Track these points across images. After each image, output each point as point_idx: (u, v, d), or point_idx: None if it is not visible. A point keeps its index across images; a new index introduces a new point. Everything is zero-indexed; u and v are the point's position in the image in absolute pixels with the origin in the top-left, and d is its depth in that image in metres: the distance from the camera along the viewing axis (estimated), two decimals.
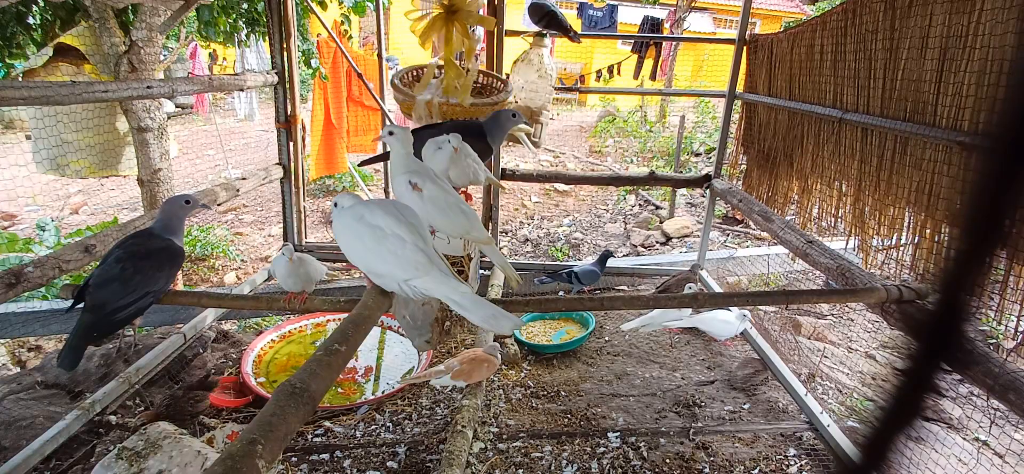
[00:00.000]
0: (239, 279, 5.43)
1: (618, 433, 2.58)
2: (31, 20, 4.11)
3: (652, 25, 10.32)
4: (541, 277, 3.62)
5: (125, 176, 4.69)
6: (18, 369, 3.55)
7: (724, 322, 3.23)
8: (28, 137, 5.40)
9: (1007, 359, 1.71)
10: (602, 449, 2.49)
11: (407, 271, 1.39)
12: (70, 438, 2.31)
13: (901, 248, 2.44)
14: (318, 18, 4.63)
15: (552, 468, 2.37)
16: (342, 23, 5.58)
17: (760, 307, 3.85)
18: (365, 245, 1.44)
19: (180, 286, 4.50)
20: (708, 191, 3.89)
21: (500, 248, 4.55)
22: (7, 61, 4.02)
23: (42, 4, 4.06)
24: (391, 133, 1.72)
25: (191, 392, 2.60)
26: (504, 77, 2.98)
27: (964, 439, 2.78)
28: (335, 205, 1.53)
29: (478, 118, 2.43)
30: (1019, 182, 0.36)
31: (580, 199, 7.86)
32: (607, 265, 3.72)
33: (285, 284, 2.14)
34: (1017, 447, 2.67)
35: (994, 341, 3.86)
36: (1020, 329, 1.87)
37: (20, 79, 4.14)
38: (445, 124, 2.38)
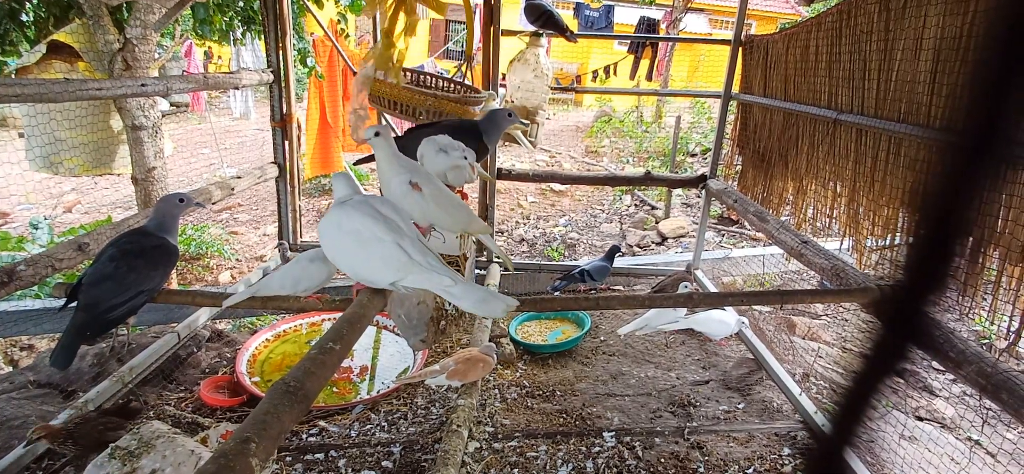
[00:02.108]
0: (234, 278, 5.41)
1: (613, 433, 2.58)
2: (24, 17, 4.09)
3: (648, 26, 10.32)
4: (554, 282, 3.65)
5: (119, 174, 4.66)
6: (10, 368, 3.53)
7: (720, 322, 3.24)
8: (21, 135, 5.36)
9: (1000, 358, 1.72)
10: (597, 448, 2.49)
11: (391, 273, 1.35)
12: None
13: (895, 249, 2.45)
14: (314, 17, 4.61)
15: (547, 467, 2.37)
16: (338, 22, 5.57)
17: (755, 307, 3.86)
18: (348, 253, 1.40)
19: (174, 285, 4.48)
20: (704, 191, 3.90)
21: None
22: (0, 58, 4.00)
23: (35, 1, 4.03)
24: (377, 134, 1.70)
25: (104, 418, 2.20)
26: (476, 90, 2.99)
27: (957, 438, 2.80)
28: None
29: (473, 118, 2.42)
30: (978, 173, 0.37)
31: (576, 199, 7.86)
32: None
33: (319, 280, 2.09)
34: (1009, 446, 2.68)
35: (987, 341, 3.88)
36: (1013, 329, 1.89)
37: (13, 76, 4.11)
38: (439, 124, 2.38)
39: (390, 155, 1.69)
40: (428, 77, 3.00)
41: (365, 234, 1.36)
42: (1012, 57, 0.35)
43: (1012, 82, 0.36)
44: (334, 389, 2.86)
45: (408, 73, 2.83)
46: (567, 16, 9.95)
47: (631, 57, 10.52)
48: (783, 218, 3.15)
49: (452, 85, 2.98)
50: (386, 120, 3.76)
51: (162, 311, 3.74)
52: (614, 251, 3.77)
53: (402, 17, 2.45)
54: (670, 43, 11.44)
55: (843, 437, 0.45)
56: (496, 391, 2.88)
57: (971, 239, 1.94)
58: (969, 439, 2.81)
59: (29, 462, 2.18)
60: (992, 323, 3.71)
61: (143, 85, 2.71)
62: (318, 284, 1.92)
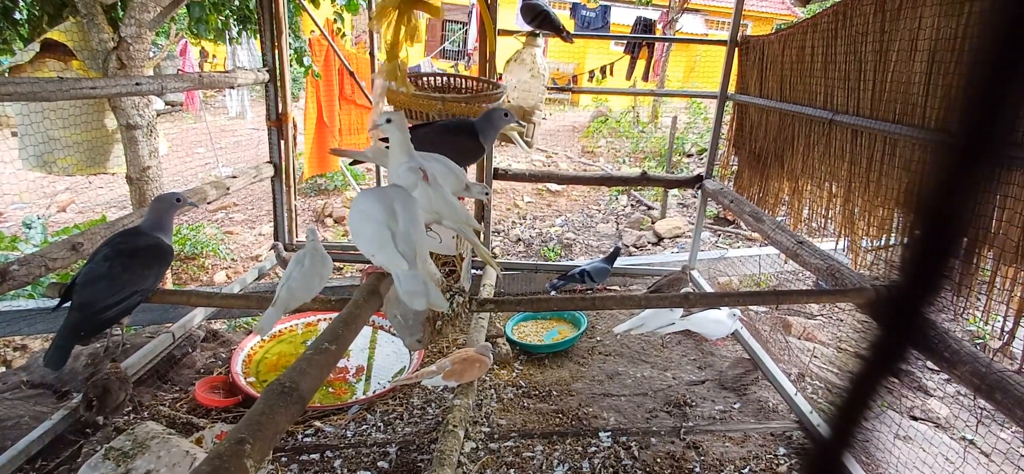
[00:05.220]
0: (229, 278, 5.40)
1: (609, 432, 2.58)
2: (18, 15, 4.06)
3: (645, 26, 10.37)
4: (553, 281, 3.63)
5: (113, 174, 4.63)
6: (3, 368, 3.50)
7: (716, 322, 3.25)
8: (14, 134, 5.33)
9: (994, 359, 1.73)
10: (593, 448, 2.49)
11: (372, 247, 1.46)
12: (56, 438, 2.29)
13: (890, 249, 2.46)
14: (310, 16, 4.60)
15: (543, 468, 2.37)
16: (335, 21, 5.56)
17: (751, 307, 3.87)
18: (355, 227, 1.53)
19: (169, 285, 4.46)
20: (700, 192, 3.91)
21: (492, 248, 4.52)
22: None
23: None
24: (389, 120, 1.72)
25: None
26: (496, 80, 3.01)
27: (951, 438, 2.81)
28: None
29: (470, 117, 2.42)
30: (974, 175, 0.38)
31: (572, 199, 7.87)
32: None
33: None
34: (1003, 446, 2.70)
35: (981, 341, 3.91)
36: (1007, 329, 1.90)
37: (7, 75, 4.09)
38: (436, 124, 2.38)
39: (402, 141, 1.74)
40: (442, 77, 2.99)
41: (369, 214, 1.49)
42: (1007, 59, 0.35)
43: (1007, 84, 0.36)
44: (330, 389, 2.86)
45: (417, 79, 2.83)
46: (563, 16, 9.96)
47: (627, 57, 10.56)
48: (779, 218, 3.16)
49: (464, 83, 2.99)
50: None
51: (157, 311, 3.72)
52: (616, 253, 3.73)
53: (403, 28, 2.46)
54: (666, 43, 11.46)
55: (841, 439, 0.45)
56: (492, 391, 2.88)
57: (966, 240, 1.95)
58: (963, 439, 2.82)
59: (22, 463, 2.16)
60: (986, 323, 3.74)
61: (138, 84, 2.70)
62: (326, 279, 1.93)
